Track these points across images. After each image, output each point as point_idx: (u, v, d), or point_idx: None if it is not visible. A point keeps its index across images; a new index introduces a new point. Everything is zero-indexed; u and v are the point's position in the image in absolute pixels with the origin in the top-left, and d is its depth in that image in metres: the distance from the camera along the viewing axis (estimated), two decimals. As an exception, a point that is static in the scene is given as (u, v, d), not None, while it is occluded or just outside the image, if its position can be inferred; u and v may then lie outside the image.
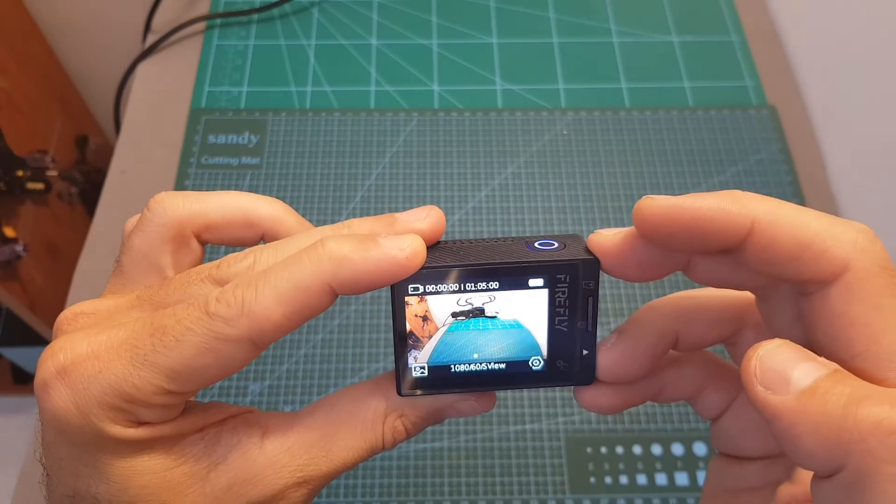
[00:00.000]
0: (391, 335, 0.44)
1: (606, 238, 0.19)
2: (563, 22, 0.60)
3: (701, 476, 0.40)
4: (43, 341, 0.96)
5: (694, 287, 0.21)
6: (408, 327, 0.19)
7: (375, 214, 0.48)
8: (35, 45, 0.90)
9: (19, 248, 0.79)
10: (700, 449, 0.41)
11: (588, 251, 0.19)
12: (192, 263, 0.22)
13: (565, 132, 0.53)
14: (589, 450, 0.41)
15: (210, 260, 0.19)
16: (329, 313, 0.45)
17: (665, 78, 0.56)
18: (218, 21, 0.59)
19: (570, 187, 0.50)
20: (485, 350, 0.20)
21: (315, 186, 0.50)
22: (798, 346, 0.16)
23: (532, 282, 0.19)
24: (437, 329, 0.19)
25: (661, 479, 0.40)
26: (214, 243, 0.22)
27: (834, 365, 0.15)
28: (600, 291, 0.19)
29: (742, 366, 0.16)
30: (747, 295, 0.20)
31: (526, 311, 0.19)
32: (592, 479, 0.40)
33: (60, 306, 0.45)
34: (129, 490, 0.18)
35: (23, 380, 1.11)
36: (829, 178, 0.52)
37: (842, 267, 0.16)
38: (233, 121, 0.53)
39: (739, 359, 0.20)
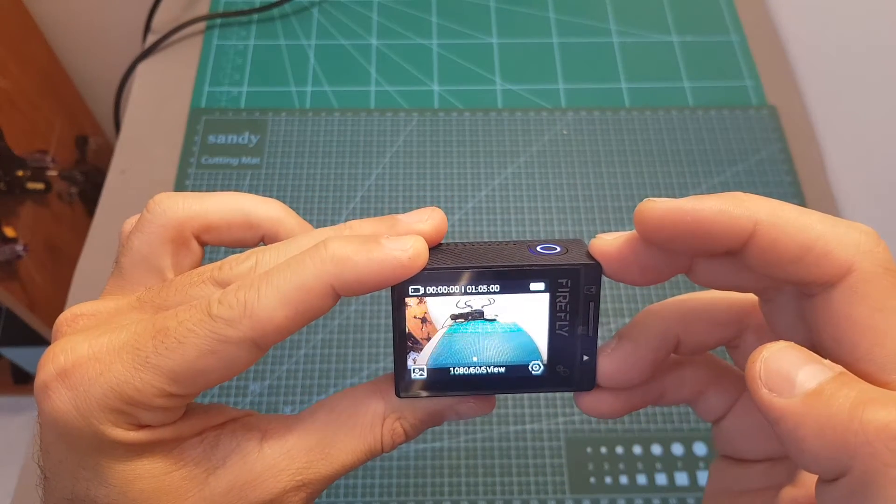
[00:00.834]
0: (391, 335, 0.44)
1: (607, 243, 0.19)
2: (563, 22, 0.60)
3: (701, 476, 0.40)
4: (43, 341, 0.96)
5: (696, 290, 0.21)
6: (406, 329, 0.19)
7: (376, 215, 0.48)
8: (35, 45, 0.90)
9: (19, 247, 0.79)
10: (700, 449, 0.41)
11: (590, 256, 0.19)
12: (191, 265, 0.22)
13: (565, 132, 0.53)
14: (589, 450, 0.41)
15: (210, 260, 0.19)
16: (329, 313, 0.45)
17: (665, 78, 0.56)
18: (218, 21, 0.59)
19: (570, 187, 0.50)
20: (484, 353, 0.20)
21: (315, 186, 0.50)
22: (803, 348, 0.16)
23: (533, 286, 0.19)
24: (436, 331, 0.19)
25: (661, 479, 0.40)
26: (214, 244, 0.22)
27: (839, 367, 0.15)
28: (600, 292, 0.19)
29: (746, 368, 0.16)
30: (749, 297, 0.20)
31: (526, 315, 0.19)
32: (592, 479, 0.40)
33: (60, 306, 0.45)
34: (129, 494, 0.18)
35: (23, 380, 1.11)
36: (829, 177, 0.52)
37: (845, 269, 0.16)
38: (233, 121, 0.53)
39: (741, 361, 0.20)
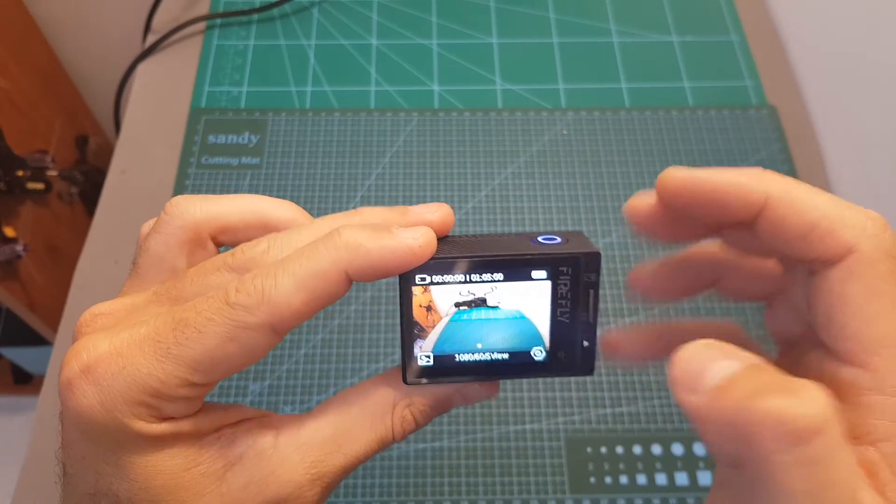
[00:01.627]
0: (391, 335, 0.44)
1: (641, 198, 0.20)
2: (563, 22, 0.60)
3: (701, 476, 0.40)
4: (43, 341, 0.96)
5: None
6: (413, 317, 0.20)
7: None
8: (35, 45, 0.90)
9: (19, 247, 0.79)
10: (700, 449, 0.41)
11: (589, 245, 0.20)
12: None
13: (565, 132, 0.53)
14: (589, 450, 0.41)
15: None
16: (329, 312, 0.45)
17: (665, 78, 0.56)
18: (218, 21, 0.59)
19: (570, 187, 0.50)
20: (488, 340, 0.20)
21: (315, 186, 0.50)
22: (723, 344, 0.16)
23: (535, 274, 0.19)
24: (441, 319, 0.20)
25: (661, 479, 0.40)
26: (230, 245, 0.22)
27: (754, 359, 0.15)
28: (603, 290, 0.19)
29: (668, 371, 0.16)
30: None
31: (528, 303, 0.20)
32: (592, 479, 0.40)
33: (60, 306, 0.45)
34: (149, 489, 0.18)
35: (23, 380, 1.11)
36: (829, 177, 0.52)
37: (847, 249, 0.16)
38: (233, 121, 0.53)
39: (772, 322, 0.20)
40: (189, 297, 0.19)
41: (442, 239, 0.21)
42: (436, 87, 0.55)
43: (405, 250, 0.18)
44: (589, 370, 0.20)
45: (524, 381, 0.42)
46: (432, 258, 0.19)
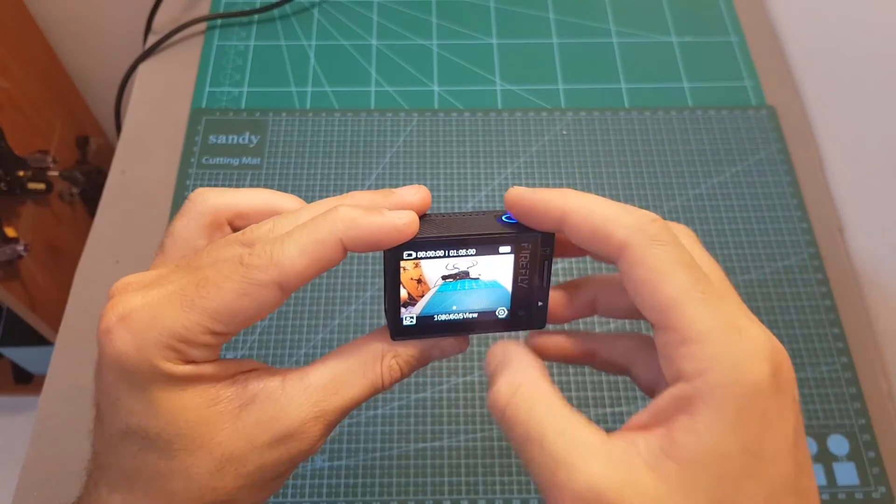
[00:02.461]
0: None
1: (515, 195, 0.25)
2: (563, 22, 0.60)
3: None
4: (44, 341, 0.96)
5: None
6: (404, 291, 0.24)
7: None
8: (36, 46, 0.91)
9: (20, 247, 0.80)
10: None
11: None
12: None
13: (564, 132, 0.53)
14: (588, 449, 0.41)
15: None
16: (329, 312, 0.45)
17: (664, 78, 0.56)
18: (218, 21, 0.59)
19: (570, 187, 0.50)
20: (465, 303, 0.24)
21: (315, 186, 0.50)
22: (509, 347, 0.23)
23: (502, 249, 0.23)
24: (429, 289, 0.24)
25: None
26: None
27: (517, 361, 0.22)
28: (553, 254, 0.24)
29: None
30: None
31: (501, 273, 0.24)
32: (592, 478, 0.40)
33: (61, 306, 0.46)
34: (175, 423, 0.21)
35: (23, 379, 1.11)
36: (828, 176, 0.52)
37: (622, 244, 0.21)
38: (233, 121, 0.53)
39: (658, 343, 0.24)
40: (207, 266, 0.22)
41: (423, 217, 0.24)
42: (436, 88, 0.56)
43: (391, 226, 0.22)
44: (542, 324, 0.25)
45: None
46: (416, 237, 0.22)
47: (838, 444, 0.42)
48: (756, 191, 0.50)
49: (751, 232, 0.49)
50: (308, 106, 0.54)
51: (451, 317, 0.24)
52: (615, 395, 0.42)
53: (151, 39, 0.58)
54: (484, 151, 0.52)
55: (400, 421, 0.42)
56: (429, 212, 0.25)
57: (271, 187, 0.50)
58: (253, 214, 0.25)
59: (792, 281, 0.47)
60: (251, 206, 0.25)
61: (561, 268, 0.47)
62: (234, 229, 0.25)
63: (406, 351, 0.24)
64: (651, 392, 0.24)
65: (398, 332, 0.24)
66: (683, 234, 0.23)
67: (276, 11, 0.60)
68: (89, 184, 0.96)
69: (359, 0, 0.61)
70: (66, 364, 0.44)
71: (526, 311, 0.24)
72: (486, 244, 0.23)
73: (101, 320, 0.21)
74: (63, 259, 0.94)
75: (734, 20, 0.60)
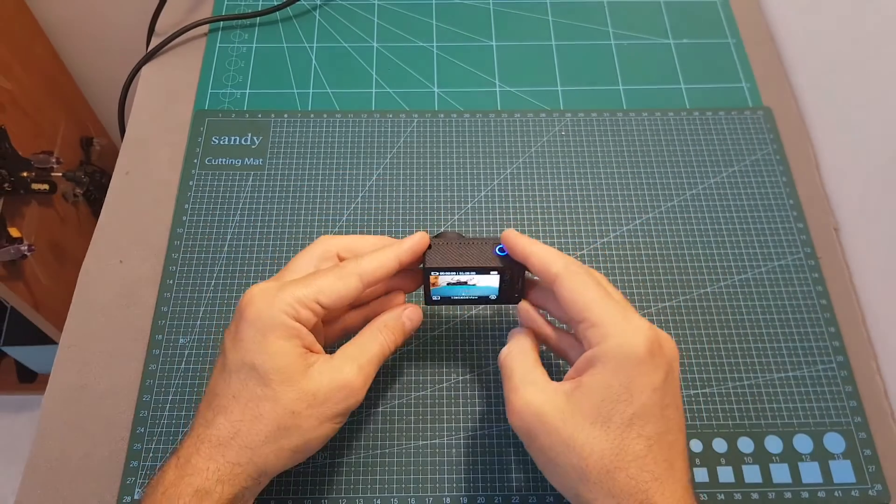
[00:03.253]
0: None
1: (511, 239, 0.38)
2: (562, 25, 0.60)
3: (697, 473, 0.41)
4: (47, 340, 0.96)
5: None
6: (431, 283, 0.39)
7: (377, 215, 0.50)
8: (40, 48, 0.91)
9: (24, 247, 0.80)
10: (696, 446, 0.42)
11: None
12: None
13: (563, 133, 0.54)
14: (586, 446, 0.41)
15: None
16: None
17: (662, 80, 0.57)
18: (221, 24, 0.60)
19: (569, 188, 0.51)
20: (469, 292, 0.40)
21: (317, 187, 0.51)
22: (522, 336, 0.37)
23: (492, 273, 0.38)
24: (441, 284, 0.39)
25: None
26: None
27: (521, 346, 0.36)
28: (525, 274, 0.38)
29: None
30: None
31: (491, 281, 0.39)
32: (589, 475, 0.40)
33: (65, 306, 0.46)
34: (275, 361, 0.32)
35: (27, 378, 1.11)
36: (823, 177, 0.52)
37: (556, 274, 0.34)
38: (236, 122, 0.54)
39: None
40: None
41: (440, 235, 0.39)
42: (436, 89, 0.56)
43: (419, 244, 0.38)
44: (518, 301, 0.39)
45: None
46: (437, 268, 0.37)
47: (834, 442, 0.42)
48: (752, 191, 0.51)
49: (747, 231, 0.49)
50: (310, 107, 0.55)
51: (461, 296, 0.40)
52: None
53: (154, 41, 0.58)
54: (483, 152, 0.52)
55: (400, 418, 0.42)
56: (444, 229, 0.41)
57: (273, 187, 0.50)
58: (351, 249, 0.38)
59: (788, 280, 0.47)
60: (350, 243, 0.38)
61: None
62: (341, 260, 0.38)
63: (389, 322, 0.38)
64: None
65: (428, 302, 0.40)
66: (598, 274, 0.36)
67: (277, 14, 0.60)
68: (93, 184, 0.96)
69: (360, 3, 0.61)
70: (69, 363, 0.44)
71: (507, 296, 0.40)
72: (482, 272, 0.38)
73: (244, 296, 0.34)
74: (67, 259, 0.94)
75: (731, 23, 0.60)
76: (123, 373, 0.44)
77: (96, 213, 0.50)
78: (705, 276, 0.47)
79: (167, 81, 0.57)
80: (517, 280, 0.38)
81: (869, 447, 0.42)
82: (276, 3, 0.60)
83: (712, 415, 0.43)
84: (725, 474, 0.41)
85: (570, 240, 0.49)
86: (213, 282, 0.47)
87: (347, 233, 0.49)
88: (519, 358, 0.35)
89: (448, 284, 0.39)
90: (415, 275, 0.40)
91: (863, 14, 0.49)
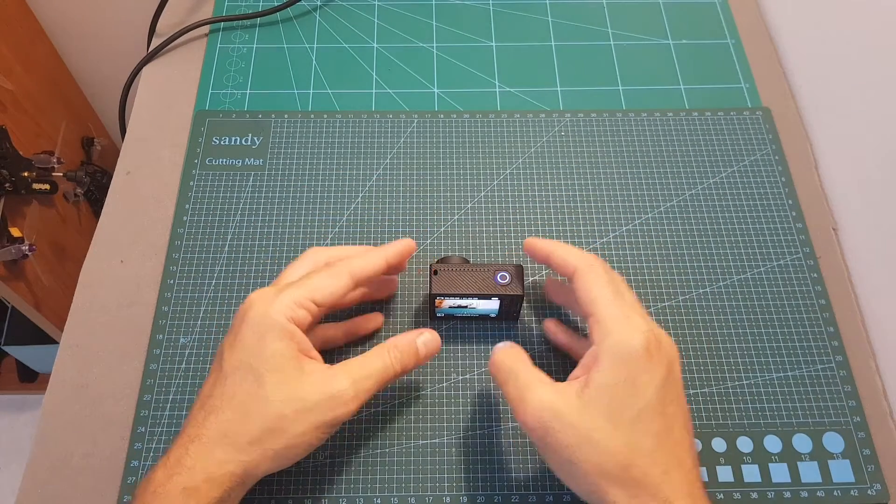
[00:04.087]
0: (386, 337, 0.45)
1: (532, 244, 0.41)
2: (561, 25, 0.60)
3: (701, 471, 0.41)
4: (48, 340, 0.97)
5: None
6: (437, 304, 0.43)
7: (377, 215, 0.50)
8: (41, 48, 0.91)
9: (25, 247, 0.80)
10: (696, 445, 0.42)
11: (521, 281, 0.41)
12: None
13: (563, 134, 0.54)
14: (585, 445, 0.41)
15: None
16: (336, 316, 0.45)
17: (661, 81, 0.57)
18: (221, 24, 0.60)
19: (568, 188, 0.51)
20: (471, 311, 0.44)
21: (317, 187, 0.51)
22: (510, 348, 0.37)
23: (493, 299, 0.41)
24: (444, 305, 0.43)
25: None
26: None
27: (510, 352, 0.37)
28: (524, 300, 0.42)
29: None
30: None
31: (490, 307, 0.43)
32: (588, 474, 0.41)
33: (66, 306, 0.46)
34: (271, 361, 0.33)
35: (28, 378, 1.11)
36: (822, 177, 0.52)
37: (574, 268, 0.37)
38: (236, 122, 0.54)
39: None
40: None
41: (443, 260, 0.42)
42: (436, 90, 0.56)
43: (407, 248, 0.41)
44: (516, 319, 0.45)
45: None
46: (442, 294, 0.41)
47: (833, 441, 0.42)
48: (751, 191, 0.51)
49: (746, 231, 0.49)
50: (310, 108, 0.55)
51: (461, 314, 0.45)
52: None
53: (155, 42, 0.59)
54: (483, 153, 0.53)
55: (400, 419, 0.42)
56: (448, 254, 0.46)
57: (274, 188, 0.51)
58: (343, 256, 0.39)
59: (787, 280, 0.47)
60: (341, 251, 0.41)
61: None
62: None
63: (400, 343, 0.38)
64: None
65: (433, 318, 0.45)
66: (616, 275, 0.37)
67: (278, 15, 0.61)
68: (94, 184, 0.96)
69: (360, 3, 0.62)
70: (70, 363, 0.44)
71: (506, 315, 0.44)
72: (483, 298, 0.41)
73: (244, 302, 0.35)
74: (68, 259, 0.94)
75: (730, 23, 0.60)
76: (124, 372, 0.44)
77: (97, 213, 0.51)
78: (705, 275, 0.47)
79: (168, 82, 0.57)
80: (516, 303, 0.42)
81: (868, 447, 0.42)
82: (276, 4, 0.60)
83: (711, 414, 0.43)
84: (725, 474, 0.41)
85: (570, 240, 0.49)
86: (214, 282, 0.47)
87: (347, 233, 0.49)
88: (518, 359, 0.36)
89: (450, 307, 0.42)
90: (390, 282, 0.45)
91: (862, 14, 0.49)
